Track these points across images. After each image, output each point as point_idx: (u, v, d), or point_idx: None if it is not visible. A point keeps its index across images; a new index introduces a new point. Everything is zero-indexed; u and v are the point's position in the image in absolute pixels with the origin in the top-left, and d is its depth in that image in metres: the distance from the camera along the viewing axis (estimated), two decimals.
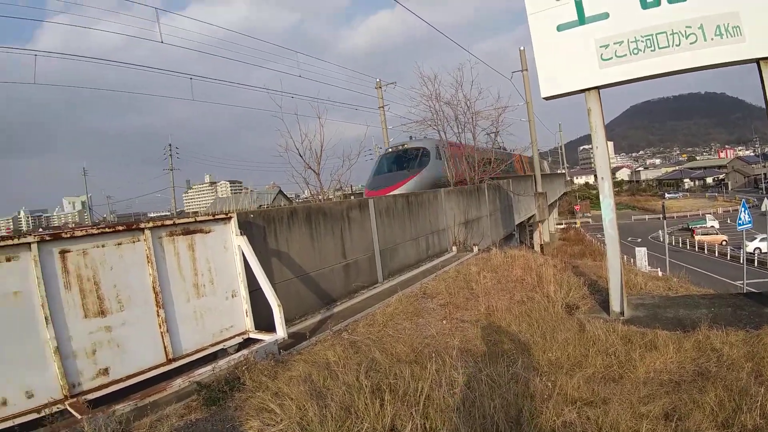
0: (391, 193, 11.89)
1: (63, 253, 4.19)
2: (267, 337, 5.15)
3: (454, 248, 12.04)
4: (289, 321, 5.64)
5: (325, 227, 7.14)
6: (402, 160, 16.45)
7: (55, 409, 3.84)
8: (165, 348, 4.68)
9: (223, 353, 5.08)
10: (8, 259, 3.90)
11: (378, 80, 27.56)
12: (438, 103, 16.08)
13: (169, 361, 4.70)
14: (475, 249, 11.80)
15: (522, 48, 24.55)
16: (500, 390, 3.57)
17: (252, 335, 5.31)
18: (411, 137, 18.41)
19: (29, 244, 3.98)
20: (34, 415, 3.80)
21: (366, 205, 8.53)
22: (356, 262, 7.92)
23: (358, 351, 4.85)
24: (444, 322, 6.11)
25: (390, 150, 17.74)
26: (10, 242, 3.93)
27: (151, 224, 4.65)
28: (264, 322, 5.44)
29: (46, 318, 3.97)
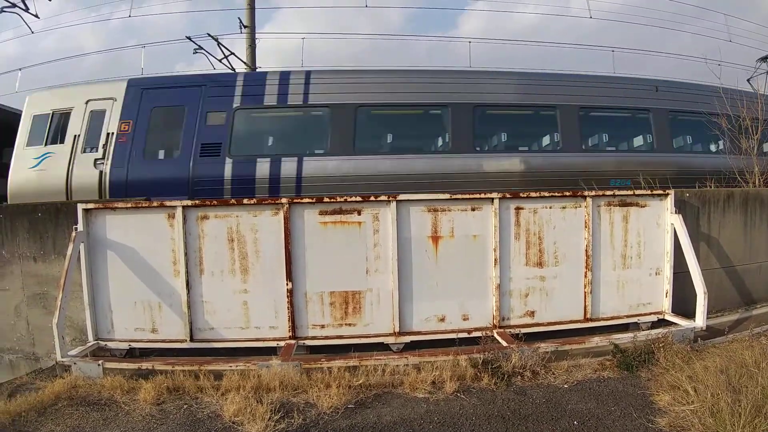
0: None
1: (518, 209, 5.04)
2: (684, 323, 4.90)
3: None
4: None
5: (761, 217, 6.03)
6: None
7: (483, 334, 4.77)
8: (585, 307, 5.10)
9: (635, 326, 5.14)
10: (473, 209, 4.98)
11: None
12: None
13: (587, 320, 5.11)
14: None
15: None
16: None
17: (668, 317, 5.14)
18: None
19: (492, 199, 4.95)
20: (464, 335, 4.84)
21: None
22: None
23: None
24: None
25: None
26: (477, 196, 4.99)
27: (593, 193, 5.01)
28: (677, 306, 5.19)
29: (495, 259, 4.95)
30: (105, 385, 4.14)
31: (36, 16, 9.50)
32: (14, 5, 10.02)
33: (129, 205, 4.77)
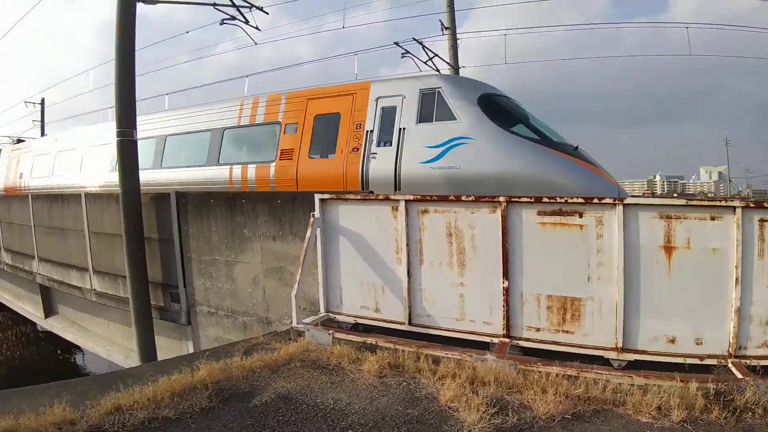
0: None
1: (762, 221, 4.30)
2: None
3: None
4: None
5: None
6: None
7: (717, 362, 4.18)
8: None
9: None
10: (712, 218, 4.38)
11: None
12: None
13: None
14: None
15: None
16: None
17: None
18: None
19: (733, 207, 4.29)
20: (696, 361, 4.30)
21: None
22: None
23: None
24: None
25: None
26: (717, 204, 4.39)
27: None
28: None
29: (736, 279, 4.28)
30: (334, 352, 4.68)
31: (257, 28, 11.00)
32: (234, 18, 11.74)
33: (359, 197, 5.30)
